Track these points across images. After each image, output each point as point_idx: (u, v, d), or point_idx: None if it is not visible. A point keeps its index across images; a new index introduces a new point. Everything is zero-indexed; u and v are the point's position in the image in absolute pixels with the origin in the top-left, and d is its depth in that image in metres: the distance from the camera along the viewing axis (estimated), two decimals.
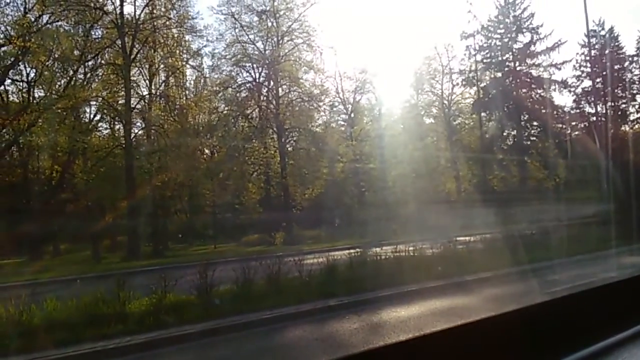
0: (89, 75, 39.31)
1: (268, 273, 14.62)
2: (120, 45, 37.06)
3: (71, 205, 40.46)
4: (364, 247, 22.80)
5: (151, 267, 23.59)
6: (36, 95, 37.47)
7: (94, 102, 39.50)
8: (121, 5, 37.13)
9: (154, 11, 39.70)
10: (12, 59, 34.75)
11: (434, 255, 19.91)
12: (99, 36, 38.65)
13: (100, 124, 43.37)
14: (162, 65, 41.41)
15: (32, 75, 36.91)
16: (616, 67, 50.18)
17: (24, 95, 37.00)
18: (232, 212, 47.29)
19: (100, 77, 39.71)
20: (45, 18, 35.85)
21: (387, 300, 13.69)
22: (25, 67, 36.83)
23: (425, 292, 14.66)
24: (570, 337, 2.09)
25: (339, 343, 10.20)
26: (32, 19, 34.67)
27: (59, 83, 37.96)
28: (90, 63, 38.61)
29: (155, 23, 38.94)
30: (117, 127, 42.52)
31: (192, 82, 48.26)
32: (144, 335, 10.36)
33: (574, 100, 51.72)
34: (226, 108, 47.19)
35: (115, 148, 38.85)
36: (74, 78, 37.71)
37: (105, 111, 40.04)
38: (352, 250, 19.41)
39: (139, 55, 38.92)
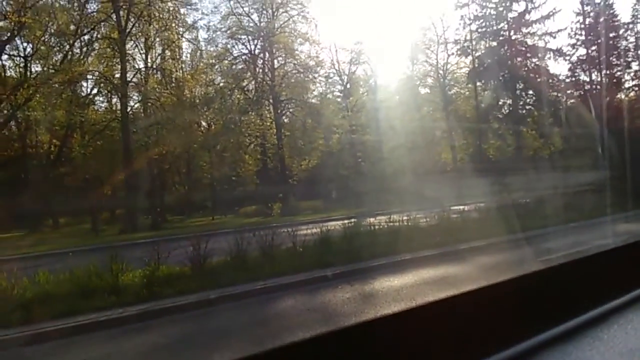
0: (85, 49, 39.38)
1: (261, 244, 14.67)
2: (115, 19, 36.86)
3: (70, 178, 40.51)
4: (359, 217, 22.96)
5: (148, 239, 23.56)
6: (33, 70, 37.73)
7: (91, 77, 39.64)
8: None
9: None
10: (8, 34, 34.63)
11: (427, 224, 19.96)
12: (95, 10, 38.43)
13: (97, 98, 43.54)
14: (157, 39, 41.26)
15: (28, 50, 37.11)
16: (611, 34, 50.05)
17: (21, 70, 37.09)
18: (230, 184, 47.57)
19: (96, 51, 39.74)
20: None
21: (380, 269, 13.79)
22: (21, 42, 37.13)
23: (419, 261, 14.77)
24: (566, 306, 2.09)
25: (331, 312, 10.28)
26: None
27: (55, 58, 38.07)
28: (86, 37, 38.66)
29: None
30: (114, 100, 42.72)
31: (188, 55, 48.30)
32: (136, 307, 10.43)
33: (570, 69, 51.58)
34: (222, 80, 47.12)
35: (112, 121, 38.85)
36: (69, 52, 37.79)
37: (102, 85, 40.13)
38: (347, 221, 19.54)
39: (134, 29, 38.79)
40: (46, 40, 36.86)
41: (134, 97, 41.03)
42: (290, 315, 10.56)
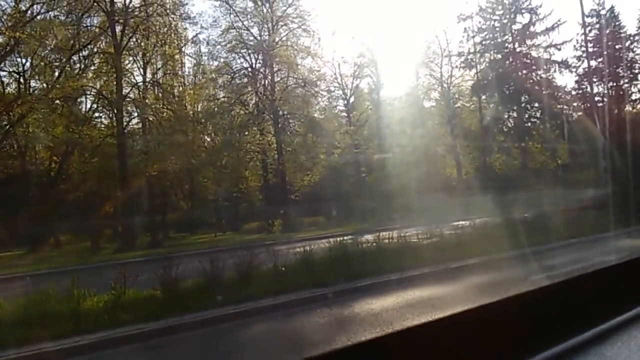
0: (82, 65, 39.12)
1: (240, 264, 14.08)
2: (110, 34, 36.67)
3: (71, 196, 40.13)
4: (356, 234, 22.47)
5: (139, 258, 23.20)
6: (32, 85, 38.01)
7: (89, 93, 39.30)
8: None
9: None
10: (4, 50, 34.44)
11: (423, 241, 19.41)
12: (91, 25, 38.26)
13: (96, 115, 43.16)
14: (156, 54, 40.95)
15: (27, 65, 37.17)
16: (617, 46, 49.47)
17: (21, 86, 37.12)
18: (233, 201, 47.15)
19: (95, 67, 39.53)
20: (37, 8, 35.58)
21: (363, 291, 13.23)
22: (20, 58, 37.03)
23: (406, 281, 14.08)
24: (568, 322, 2.10)
25: (301, 341, 9.76)
26: (24, 9, 34.46)
27: (52, 74, 37.92)
28: (84, 53, 38.41)
29: (147, 10, 38.35)
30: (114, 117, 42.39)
31: (187, 69, 47.96)
32: (94, 334, 9.83)
33: (576, 81, 51.02)
34: (223, 95, 46.79)
35: (106, 137, 38.46)
36: (66, 68, 37.46)
37: (99, 101, 39.75)
38: (344, 237, 19.04)
39: (132, 44, 38.74)
40: (43, 55, 36.63)
41: (134, 112, 40.85)
42: (257, 343, 10.00)
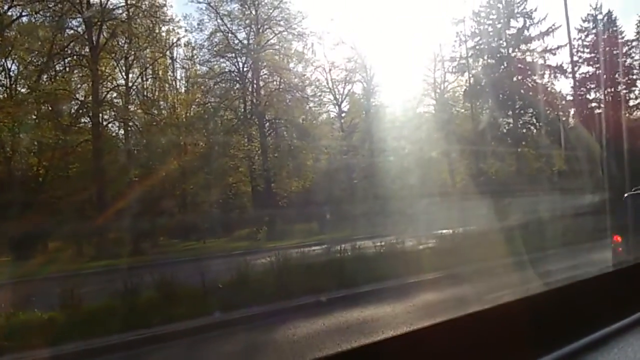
0: (65, 68, 39.02)
1: (162, 281, 12.81)
2: (87, 36, 36.04)
3: (62, 202, 39.23)
4: (332, 243, 21.28)
5: (102, 268, 22.22)
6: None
7: (69, 97, 38.34)
8: None
9: (129, 1, 38.38)
10: None
11: (394, 251, 18.13)
12: (69, 27, 37.68)
13: (81, 120, 42.28)
14: (135, 58, 40.17)
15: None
16: (615, 52, 48.69)
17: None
18: (225, 207, 46.28)
19: (73, 71, 39.14)
20: (15, 12, 35.46)
21: (297, 311, 12.05)
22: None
23: (351, 298, 13.02)
24: (565, 329, 2.12)
25: None
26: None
27: (35, 77, 37.00)
28: (59, 56, 37.73)
29: (125, 12, 37.87)
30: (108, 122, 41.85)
31: (172, 73, 47.07)
32: None
33: (572, 87, 50.28)
34: (208, 100, 45.79)
35: (82, 143, 37.67)
36: (44, 71, 36.82)
37: (78, 106, 38.85)
38: (315, 247, 18.00)
39: (114, 48, 38.20)
40: (27, 60, 36.25)
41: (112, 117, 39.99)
42: None
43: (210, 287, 13.18)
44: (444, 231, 22.41)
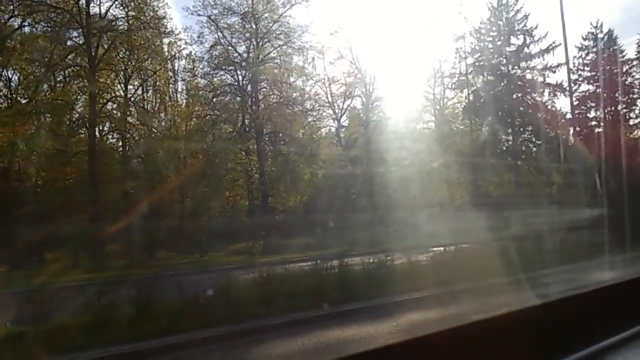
0: (65, 79, 39.00)
1: (143, 295, 12.54)
2: (85, 47, 35.98)
3: (57, 213, 39.02)
4: (323, 259, 20.94)
5: (97, 280, 21.96)
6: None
7: (69, 107, 38.36)
8: (87, 5, 36.04)
9: (129, 12, 38.48)
10: None
11: (385, 267, 17.84)
12: (69, 37, 37.74)
13: (80, 130, 42.23)
14: (135, 69, 40.26)
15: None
16: (615, 70, 48.64)
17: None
18: (221, 220, 46.09)
19: (74, 81, 39.15)
20: (16, 22, 35.60)
21: (273, 330, 11.71)
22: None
23: (332, 317, 12.79)
24: (561, 343, 2.16)
25: None
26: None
27: (34, 88, 37.22)
28: (58, 67, 37.75)
29: (129, 23, 37.85)
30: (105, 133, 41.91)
31: (172, 85, 47.04)
32: None
33: (572, 105, 50.10)
34: (208, 113, 45.73)
35: (78, 154, 37.57)
36: (43, 82, 36.85)
37: (75, 116, 38.99)
38: (303, 263, 17.82)
39: (114, 59, 38.24)
40: (19, 69, 36.38)
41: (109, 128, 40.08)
42: None
43: (190, 303, 12.92)
44: (437, 249, 22.11)
